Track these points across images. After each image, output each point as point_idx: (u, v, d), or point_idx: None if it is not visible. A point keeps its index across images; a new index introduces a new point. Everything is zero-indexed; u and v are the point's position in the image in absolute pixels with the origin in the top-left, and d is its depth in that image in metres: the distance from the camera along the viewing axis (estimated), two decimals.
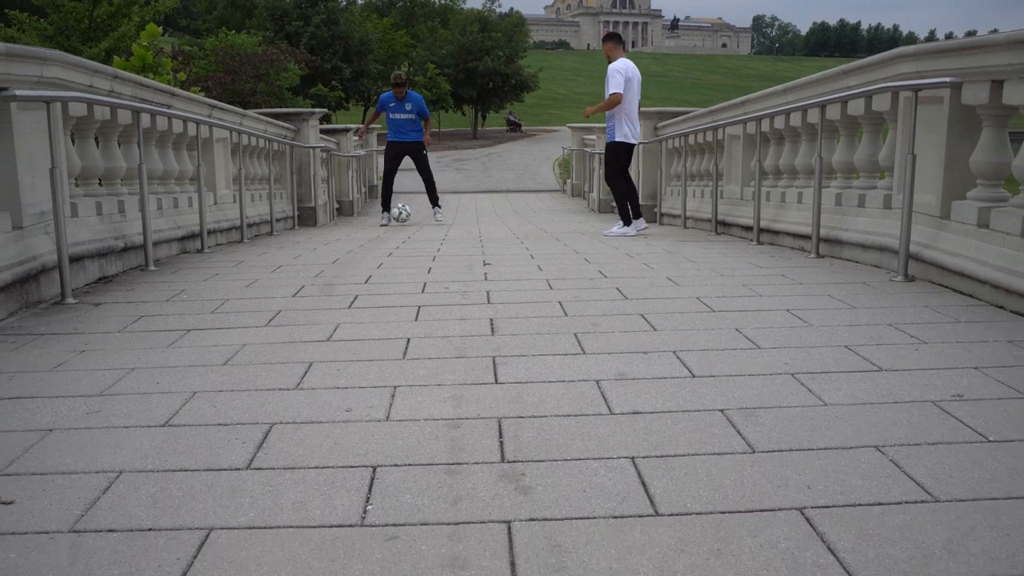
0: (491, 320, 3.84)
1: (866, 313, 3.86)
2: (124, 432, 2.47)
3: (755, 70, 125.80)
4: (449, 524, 1.88)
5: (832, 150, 6.10)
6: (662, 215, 10.77)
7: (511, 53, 51.22)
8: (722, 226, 8.25)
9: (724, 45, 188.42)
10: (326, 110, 16.77)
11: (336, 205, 13.99)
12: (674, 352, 3.20)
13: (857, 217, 5.54)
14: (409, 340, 3.48)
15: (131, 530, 1.88)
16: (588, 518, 1.90)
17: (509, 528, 1.86)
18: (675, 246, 6.92)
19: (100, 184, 5.96)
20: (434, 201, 11.37)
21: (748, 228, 7.19)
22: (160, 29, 12.48)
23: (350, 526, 1.88)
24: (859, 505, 1.95)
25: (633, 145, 8.48)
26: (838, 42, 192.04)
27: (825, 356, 3.13)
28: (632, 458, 2.22)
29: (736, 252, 6.35)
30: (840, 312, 3.89)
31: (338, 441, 2.36)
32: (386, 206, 11.16)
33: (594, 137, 15.96)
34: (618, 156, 8.41)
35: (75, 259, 4.65)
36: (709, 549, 1.77)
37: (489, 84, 50.45)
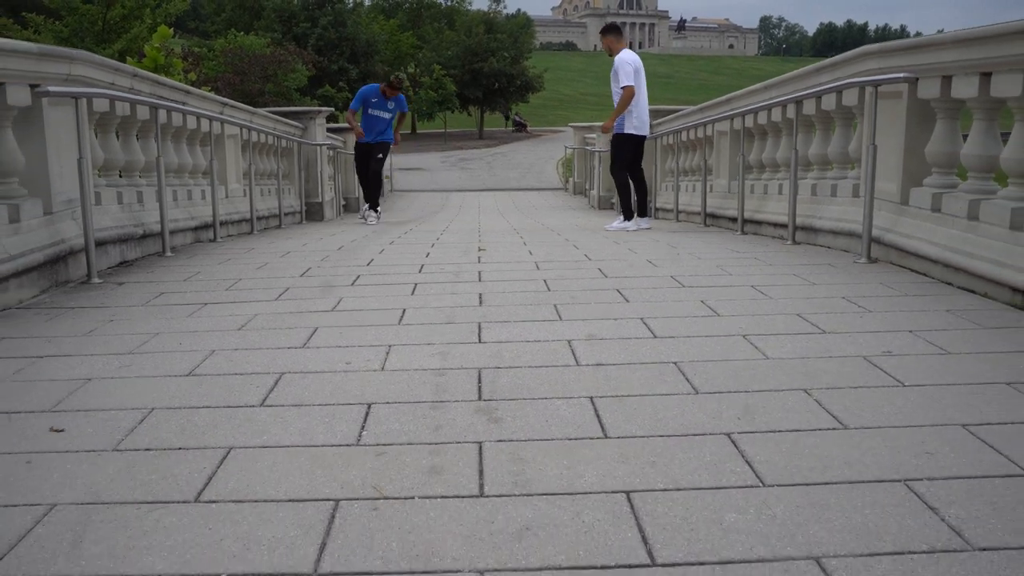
0: (480, 294, 4.21)
1: (824, 288, 4.21)
2: (153, 380, 2.84)
3: (762, 71, 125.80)
4: (430, 444, 2.25)
5: (808, 143, 6.45)
6: (656, 210, 11.12)
7: (516, 54, 51.62)
8: (711, 219, 8.60)
9: (731, 46, 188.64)
10: (332, 109, 17.15)
11: (343, 202, 14.38)
12: (641, 319, 3.56)
13: (830, 206, 5.89)
14: (404, 310, 3.85)
15: (164, 449, 2.25)
16: (547, 440, 2.27)
17: (480, 447, 2.23)
18: (662, 236, 7.27)
19: (120, 176, 6.34)
20: (373, 203, 10.74)
21: (734, 219, 7.54)
22: (171, 31, 12.89)
23: (347, 445, 2.25)
24: (779, 431, 2.31)
25: (642, 138, 8.23)
26: (845, 43, 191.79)
27: (777, 322, 3.48)
28: (591, 397, 2.58)
29: (719, 240, 6.71)
30: (800, 288, 4.24)
31: (339, 386, 2.73)
32: (374, 202, 10.76)
33: (595, 136, 16.31)
34: (623, 148, 8.17)
35: (99, 243, 5.02)
36: (646, 461, 2.13)
37: (495, 85, 50.85)
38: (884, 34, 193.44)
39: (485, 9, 61.07)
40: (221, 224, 7.43)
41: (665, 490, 1.96)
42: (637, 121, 8.06)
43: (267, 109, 11.10)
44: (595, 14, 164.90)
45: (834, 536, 1.72)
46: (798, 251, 5.71)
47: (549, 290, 4.30)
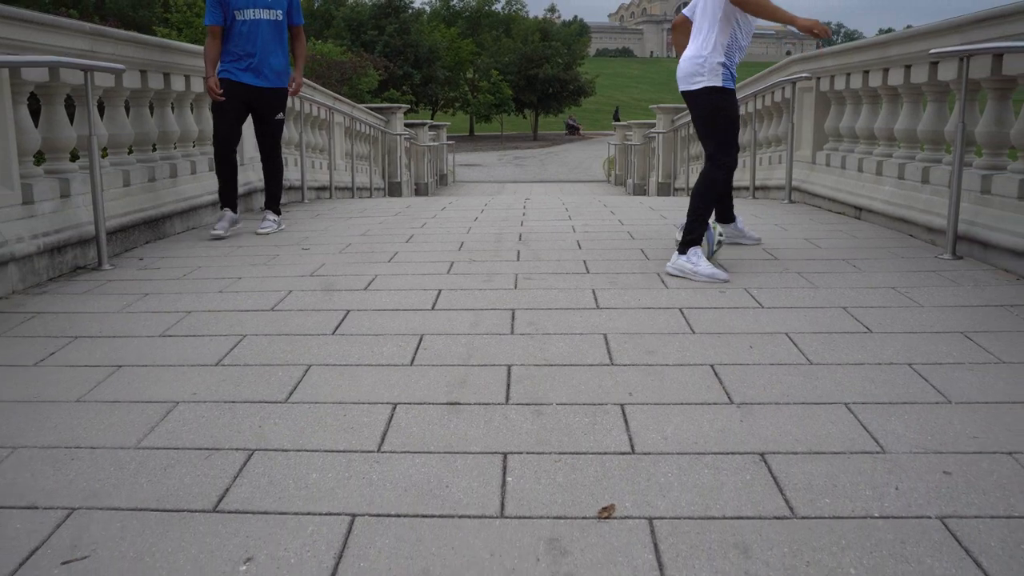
0: (520, 235, 6.58)
1: (765, 216, 6.56)
2: (270, 286, 5.33)
3: None
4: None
5: (768, 127, 8.76)
6: (675, 189, 13.45)
7: (570, 60, 54.04)
8: None
9: (788, 52, 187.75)
10: (409, 106, 19.81)
11: (414, 187, 16.99)
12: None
13: (776, 170, 8.21)
14: (470, 228, 6.32)
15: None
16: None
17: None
18: (686, 203, 9.65)
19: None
20: (273, 202, 5.99)
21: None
22: None
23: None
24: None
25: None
26: None
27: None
28: (584, 261, 4.97)
29: None
30: (754, 217, 6.60)
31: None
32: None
33: (631, 132, 18.67)
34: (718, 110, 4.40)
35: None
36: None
37: (549, 89, 53.33)
38: None
39: (541, 16, 63.69)
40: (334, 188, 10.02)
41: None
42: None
43: (365, 105, 13.70)
44: (651, 20, 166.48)
45: None
46: (755, 201, 8.04)
47: (566, 210, 6.75)
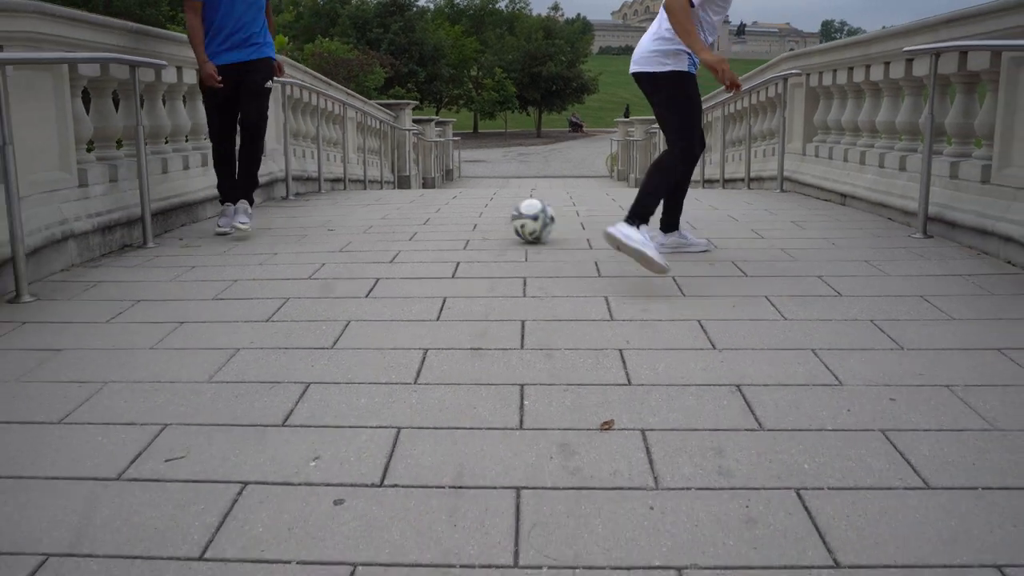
0: None
1: (758, 203, 6.97)
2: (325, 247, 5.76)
3: None
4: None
5: (761, 123, 9.18)
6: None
7: (573, 58, 54.45)
8: (707, 183, 11.34)
9: (791, 50, 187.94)
10: (416, 102, 20.26)
11: (422, 181, 17.42)
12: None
13: (769, 163, 8.63)
14: (481, 212, 6.75)
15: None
16: (560, 277, 5.10)
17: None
18: None
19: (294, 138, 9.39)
20: (247, 189, 5.39)
21: (717, 180, 10.30)
22: (287, 40, 16.04)
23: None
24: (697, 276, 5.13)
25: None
26: None
27: (727, 227, 6.30)
28: (588, 240, 5.39)
29: (705, 191, 9.49)
30: (746, 205, 7.02)
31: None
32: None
33: (633, 129, 19.09)
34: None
35: (295, 179, 8.03)
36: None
37: (552, 87, 53.76)
38: None
39: (544, 15, 64.11)
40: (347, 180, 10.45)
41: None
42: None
43: (375, 102, 14.13)
44: (654, 18, 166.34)
45: None
46: (750, 191, 8.47)
47: (570, 198, 7.19)
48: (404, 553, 1.78)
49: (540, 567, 1.73)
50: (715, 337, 3.08)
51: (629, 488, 2.03)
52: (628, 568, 1.72)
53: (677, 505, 1.95)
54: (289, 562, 1.77)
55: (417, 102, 26.94)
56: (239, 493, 2.03)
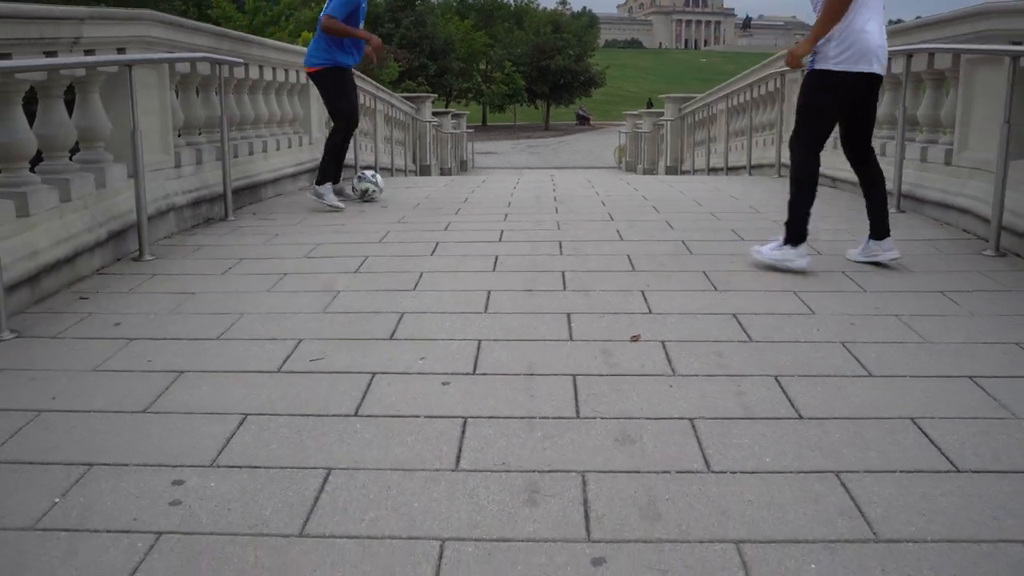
0: (555, 197, 7.83)
1: (755, 187, 7.76)
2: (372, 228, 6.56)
3: None
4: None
5: (762, 114, 9.96)
6: (682, 171, 14.65)
7: (581, 52, 55.17)
8: (712, 171, 12.12)
9: (797, 43, 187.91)
10: (436, 95, 21.06)
11: (440, 171, 18.21)
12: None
13: (768, 151, 9.40)
14: (513, 191, 7.54)
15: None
16: (587, 220, 5.90)
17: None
18: (689, 178, 10.85)
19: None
20: (333, 174, 6.36)
21: (722, 168, 11.08)
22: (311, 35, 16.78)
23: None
24: (706, 245, 5.91)
25: (857, 78, 4.00)
26: None
27: (724, 201, 7.08)
28: (609, 214, 6.18)
29: (704, 177, 10.28)
30: (738, 183, 7.81)
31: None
32: (335, 176, 6.42)
33: (641, 121, 19.85)
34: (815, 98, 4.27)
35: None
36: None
37: (560, 80, 54.49)
38: None
39: (552, 8, 64.84)
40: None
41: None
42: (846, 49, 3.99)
43: (399, 95, 14.90)
44: (660, 11, 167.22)
45: None
46: (750, 177, 9.25)
47: (589, 183, 8.00)
48: (499, 411, 2.58)
49: (595, 417, 2.53)
50: (717, 282, 3.88)
51: (653, 375, 2.84)
52: (655, 418, 2.52)
53: (689, 384, 2.76)
54: (418, 416, 2.57)
55: (435, 95, 27.74)
56: (371, 379, 2.83)
